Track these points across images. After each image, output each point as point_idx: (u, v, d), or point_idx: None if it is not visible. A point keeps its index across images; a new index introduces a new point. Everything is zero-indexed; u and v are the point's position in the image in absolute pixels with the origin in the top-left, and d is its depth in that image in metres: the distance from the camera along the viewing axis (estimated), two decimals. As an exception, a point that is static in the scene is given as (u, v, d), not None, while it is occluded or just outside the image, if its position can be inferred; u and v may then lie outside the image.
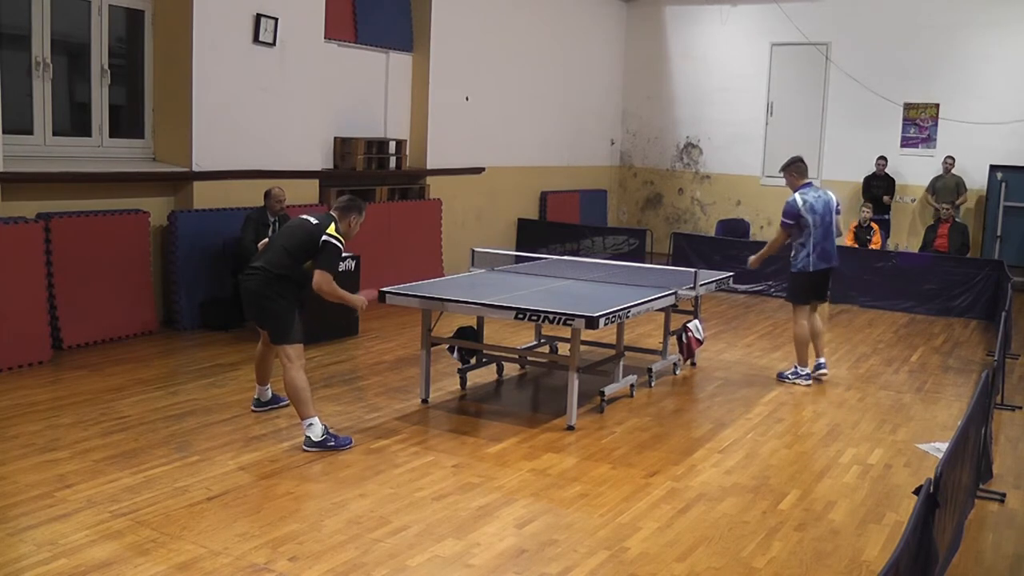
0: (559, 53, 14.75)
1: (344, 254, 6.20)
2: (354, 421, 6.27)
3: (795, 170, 7.73)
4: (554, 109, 14.83)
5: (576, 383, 6.27)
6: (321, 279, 5.62)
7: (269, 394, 6.39)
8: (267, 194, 8.72)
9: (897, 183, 14.13)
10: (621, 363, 7.08)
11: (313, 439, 5.61)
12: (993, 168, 13.49)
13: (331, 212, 5.88)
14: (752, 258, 8.09)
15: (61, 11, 8.12)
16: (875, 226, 12.85)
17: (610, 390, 6.86)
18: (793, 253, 7.72)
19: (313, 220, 5.76)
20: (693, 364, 8.22)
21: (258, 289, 5.72)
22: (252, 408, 6.37)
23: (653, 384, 7.49)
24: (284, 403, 6.34)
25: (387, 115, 11.81)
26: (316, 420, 5.66)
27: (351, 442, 5.76)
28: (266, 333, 6.01)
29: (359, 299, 5.95)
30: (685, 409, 7.11)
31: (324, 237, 5.61)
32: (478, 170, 12.98)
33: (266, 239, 6.15)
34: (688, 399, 7.40)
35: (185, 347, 8.16)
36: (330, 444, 5.64)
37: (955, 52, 13.97)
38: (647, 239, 13.69)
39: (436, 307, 6.59)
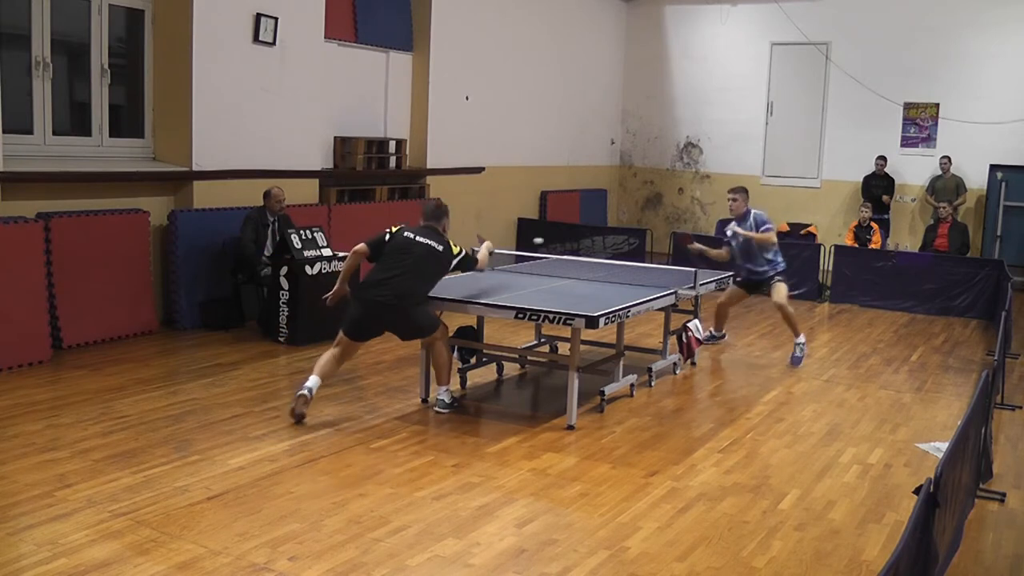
0: (559, 53, 14.75)
1: (342, 253, 6.62)
2: (354, 421, 6.26)
3: (746, 196, 8.65)
4: (554, 109, 14.83)
5: (576, 383, 6.27)
6: (482, 264, 6.84)
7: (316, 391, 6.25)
8: (267, 194, 8.73)
9: (897, 183, 14.13)
10: (621, 363, 7.08)
11: (446, 401, 6.46)
12: (993, 168, 13.49)
13: (430, 227, 6.44)
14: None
15: (61, 11, 8.11)
16: (875, 226, 12.85)
17: (610, 390, 6.86)
18: (774, 259, 8.62)
19: (436, 245, 6.32)
20: (693, 364, 8.22)
21: (403, 316, 6.23)
22: (307, 394, 6.11)
23: (653, 384, 7.49)
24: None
25: (387, 115, 11.81)
26: (449, 387, 6.49)
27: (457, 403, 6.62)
28: (356, 342, 6.43)
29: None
30: (685, 409, 7.11)
31: (456, 259, 6.42)
32: (478, 170, 12.98)
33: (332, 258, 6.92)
34: (688, 399, 7.40)
35: (185, 347, 8.16)
36: (455, 406, 6.54)
37: (955, 52, 13.98)
38: (647, 239, 13.69)
39: (436, 307, 6.59)
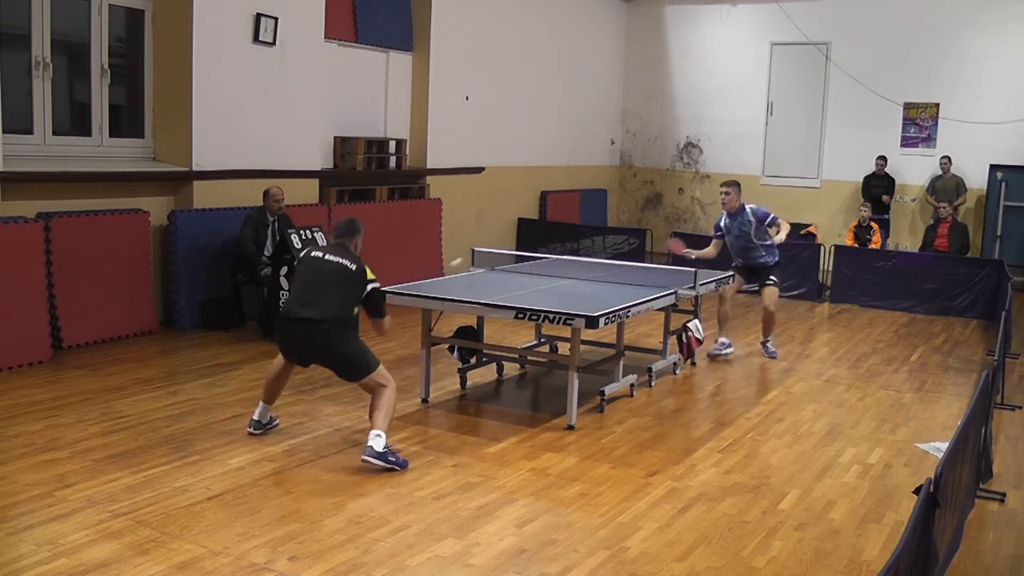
0: (559, 53, 14.75)
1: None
2: (354, 421, 6.26)
3: (739, 190, 8.69)
4: (554, 109, 14.83)
5: (576, 383, 6.27)
6: (384, 324, 5.80)
7: (269, 415, 6.00)
8: (266, 194, 8.73)
9: (897, 183, 14.13)
10: (621, 363, 7.08)
11: (376, 449, 5.35)
12: (993, 168, 13.49)
13: (341, 244, 5.73)
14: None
15: (61, 11, 8.12)
16: (875, 226, 12.85)
17: (610, 390, 6.86)
18: (771, 245, 8.61)
19: (349, 264, 5.61)
20: (693, 364, 8.22)
21: (325, 341, 5.52)
22: (250, 430, 5.89)
23: (653, 384, 7.49)
24: (276, 423, 6.06)
25: (387, 115, 11.81)
26: (385, 435, 5.43)
27: (407, 465, 5.47)
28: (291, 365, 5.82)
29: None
30: (685, 409, 7.10)
31: (369, 286, 5.64)
32: (478, 170, 12.98)
33: (267, 263, 5.76)
34: (688, 399, 7.40)
35: (185, 347, 8.16)
36: (391, 459, 5.39)
37: (955, 52, 13.98)
38: (647, 239, 13.69)
39: (436, 307, 6.59)
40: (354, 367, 5.59)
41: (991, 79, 13.81)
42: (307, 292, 5.60)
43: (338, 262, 5.63)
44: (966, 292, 11.29)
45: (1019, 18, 13.63)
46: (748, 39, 15.56)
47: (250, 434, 5.88)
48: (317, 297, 5.55)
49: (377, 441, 5.38)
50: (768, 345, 8.79)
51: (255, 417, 5.94)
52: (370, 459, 5.34)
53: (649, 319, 9.12)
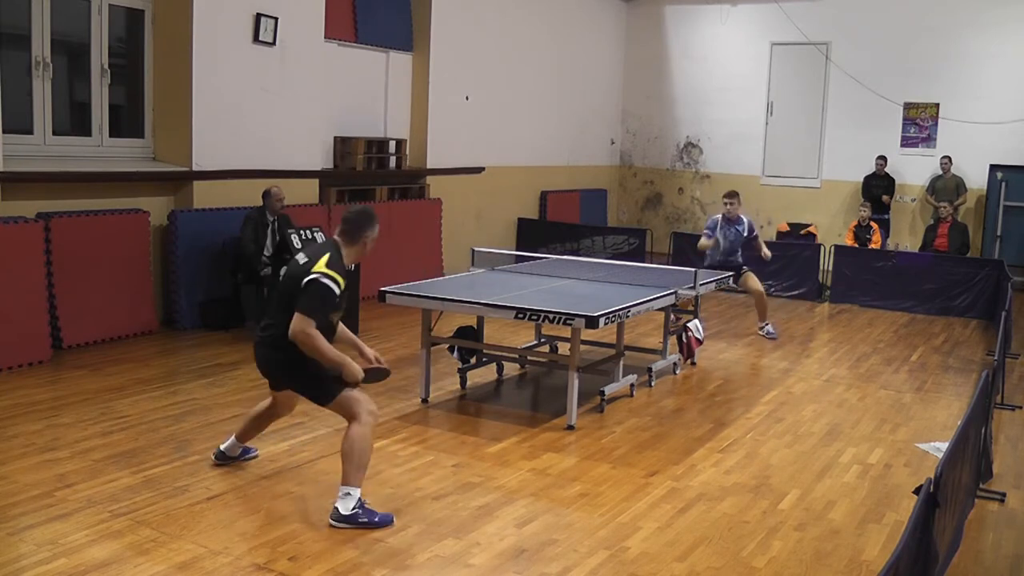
0: (559, 53, 14.75)
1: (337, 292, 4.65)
2: (354, 421, 6.26)
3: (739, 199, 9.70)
4: (554, 109, 14.83)
5: (576, 383, 6.27)
6: (297, 324, 4.51)
7: (239, 451, 5.37)
8: (266, 194, 8.72)
9: (897, 183, 14.13)
10: (621, 363, 7.08)
11: (342, 512, 4.56)
12: (993, 168, 13.49)
13: (335, 237, 4.90)
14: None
15: (61, 11, 8.12)
16: (875, 226, 12.84)
17: (610, 390, 6.86)
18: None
19: (303, 259, 4.75)
20: (693, 364, 8.22)
21: (275, 360, 4.81)
22: (213, 458, 5.33)
23: (653, 384, 7.49)
24: (253, 454, 5.47)
25: (387, 115, 11.81)
26: (357, 492, 4.61)
27: (392, 520, 4.66)
28: (282, 394, 5.09)
29: (350, 367, 4.68)
30: (685, 409, 7.10)
31: (308, 277, 4.59)
32: (478, 170, 12.98)
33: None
34: (688, 399, 7.40)
35: (185, 347, 8.16)
36: (362, 520, 4.57)
37: (955, 52, 13.97)
38: (647, 239, 13.69)
39: (436, 307, 6.59)
40: (314, 392, 4.80)
41: (991, 79, 13.81)
42: (266, 306, 5.04)
43: (297, 261, 4.77)
44: (966, 292, 11.29)
45: (1019, 18, 13.62)
46: (748, 39, 15.56)
47: (214, 464, 5.31)
48: (271, 310, 4.88)
49: (343, 502, 4.57)
50: (767, 328, 9.54)
51: (222, 448, 5.33)
52: (336, 524, 4.55)
53: (649, 319, 9.12)
